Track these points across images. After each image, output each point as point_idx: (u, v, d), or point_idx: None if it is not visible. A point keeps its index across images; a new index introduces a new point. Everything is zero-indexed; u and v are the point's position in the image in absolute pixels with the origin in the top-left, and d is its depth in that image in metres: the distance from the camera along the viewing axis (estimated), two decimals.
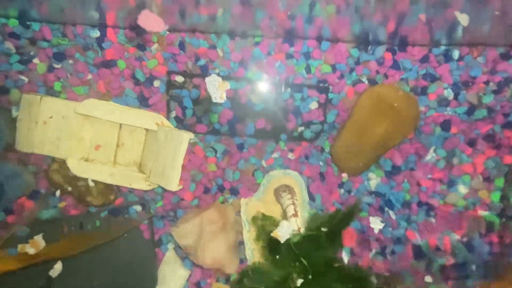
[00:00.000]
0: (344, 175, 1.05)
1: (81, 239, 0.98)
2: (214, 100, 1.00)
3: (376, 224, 1.04)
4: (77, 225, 1.00)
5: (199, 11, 0.89)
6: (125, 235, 1.01)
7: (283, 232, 0.90)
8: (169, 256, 1.05)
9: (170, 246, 1.06)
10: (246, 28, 0.97)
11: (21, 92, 1.00)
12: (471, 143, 1.02)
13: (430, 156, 1.03)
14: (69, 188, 1.00)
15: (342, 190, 1.05)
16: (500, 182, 1.02)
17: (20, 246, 0.94)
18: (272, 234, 0.91)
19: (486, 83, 1.00)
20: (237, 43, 1.00)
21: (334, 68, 1.00)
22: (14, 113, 1.01)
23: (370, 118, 0.96)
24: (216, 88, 0.99)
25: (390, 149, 1.01)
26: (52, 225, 0.99)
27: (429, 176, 1.03)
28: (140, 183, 1.01)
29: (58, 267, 0.98)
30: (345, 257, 1.06)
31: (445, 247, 1.04)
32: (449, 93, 1.00)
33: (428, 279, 1.03)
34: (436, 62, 1.00)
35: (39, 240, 0.96)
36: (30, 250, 0.94)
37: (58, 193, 1.02)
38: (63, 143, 0.99)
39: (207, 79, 0.99)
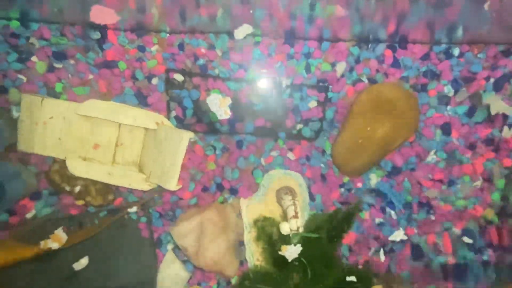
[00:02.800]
0: (345, 176, 1.04)
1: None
2: (219, 118, 1.00)
3: (399, 236, 1.03)
4: (76, 224, 1.01)
5: (199, 12, 0.89)
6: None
7: (291, 252, 0.90)
8: (169, 258, 1.04)
9: (169, 246, 1.05)
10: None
11: (20, 91, 1.00)
12: (471, 147, 1.02)
13: (431, 158, 1.03)
14: (67, 188, 1.00)
15: (342, 189, 1.05)
16: (501, 183, 1.02)
17: (42, 243, 0.94)
18: (280, 252, 0.91)
19: (487, 79, 1.00)
20: (236, 43, 1.01)
21: (333, 67, 1.01)
22: (15, 113, 1.01)
23: (370, 117, 0.96)
24: (219, 106, 0.99)
25: (391, 151, 1.00)
26: (52, 224, 0.99)
27: (430, 176, 1.03)
28: (139, 183, 1.00)
29: (84, 261, 0.98)
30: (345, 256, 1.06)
31: (445, 244, 1.03)
32: (449, 90, 1.01)
33: None
34: (437, 59, 1.00)
35: (60, 234, 0.96)
36: (53, 245, 0.94)
37: (77, 188, 1.01)
38: (63, 143, 0.99)
39: (207, 100, 0.99)
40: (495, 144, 1.02)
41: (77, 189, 1.01)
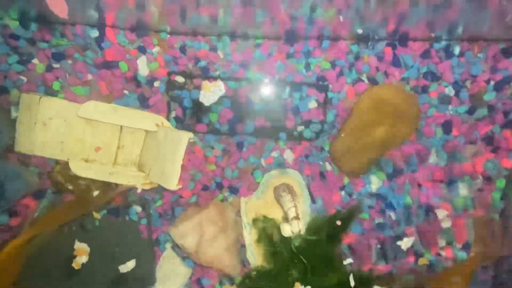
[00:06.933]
0: (345, 177, 1.04)
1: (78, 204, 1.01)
2: (221, 94, 1.00)
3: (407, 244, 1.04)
4: (77, 224, 1.02)
5: (200, 12, 0.89)
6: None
7: None
8: (168, 255, 1.05)
9: (168, 245, 1.06)
10: (247, 28, 0.97)
11: (20, 92, 1.00)
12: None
13: (432, 158, 1.03)
14: (70, 187, 1.01)
15: (343, 193, 1.05)
16: (501, 183, 1.02)
17: (74, 264, 0.99)
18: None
19: (487, 81, 0.99)
20: (238, 45, 1.00)
21: (333, 64, 1.00)
22: (14, 113, 1.00)
23: (370, 119, 0.96)
24: (209, 92, 0.99)
25: (390, 150, 1.01)
26: None
27: (430, 177, 1.03)
28: (140, 182, 1.01)
29: (131, 264, 1.00)
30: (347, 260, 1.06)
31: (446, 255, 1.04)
32: (450, 91, 1.00)
33: None
34: (437, 57, 0.99)
35: (83, 247, 1.00)
36: (82, 259, 0.99)
37: (96, 193, 1.02)
38: (64, 146, 0.99)
39: (201, 99, 1.00)
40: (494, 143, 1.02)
41: (95, 193, 1.02)
